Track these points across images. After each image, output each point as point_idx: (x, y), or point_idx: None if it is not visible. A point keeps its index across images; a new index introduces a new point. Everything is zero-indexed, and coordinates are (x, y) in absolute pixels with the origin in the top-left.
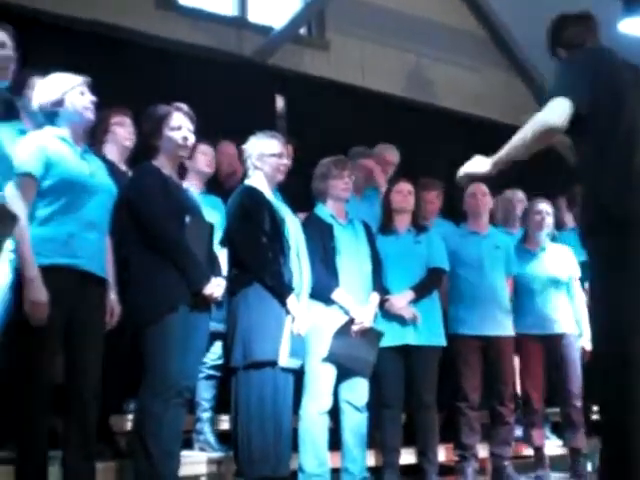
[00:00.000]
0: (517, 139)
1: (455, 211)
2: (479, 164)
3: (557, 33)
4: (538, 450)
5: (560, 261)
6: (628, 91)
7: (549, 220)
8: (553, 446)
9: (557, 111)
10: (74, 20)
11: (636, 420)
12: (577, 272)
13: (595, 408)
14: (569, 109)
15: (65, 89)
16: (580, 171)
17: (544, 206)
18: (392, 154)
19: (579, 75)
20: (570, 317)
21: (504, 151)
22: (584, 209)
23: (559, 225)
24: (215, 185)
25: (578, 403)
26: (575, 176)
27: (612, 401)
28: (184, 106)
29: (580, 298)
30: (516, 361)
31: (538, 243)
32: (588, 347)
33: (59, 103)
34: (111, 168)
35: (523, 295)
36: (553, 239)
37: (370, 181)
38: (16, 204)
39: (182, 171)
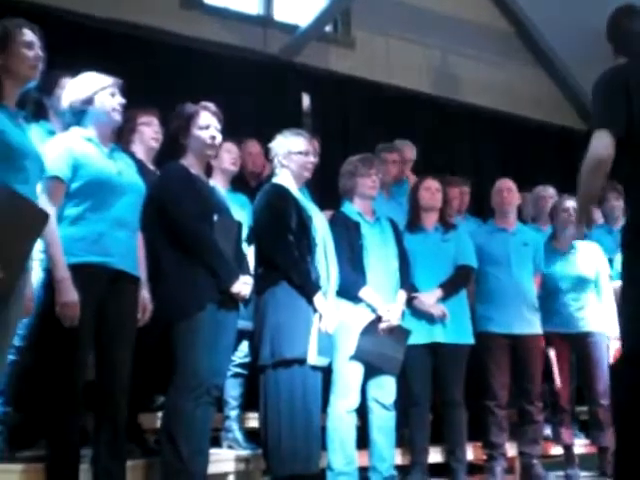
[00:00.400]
0: (581, 189)
1: (482, 209)
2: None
3: (610, 31)
4: (567, 449)
5: (588, 259)
6: None
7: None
8: (581, 445)
9: (601, 144)
10: (100, 20)
11: None
12: (606, 269)
13: None
14: (610, 139)
15: (96, 89)
16: (625, 183)
17: (571, 203)
18: (410, 150)
19: (613, 99)
20: (598, 315)
21: (578, 206)
22: (632, 217)
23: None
24: (240, 183)
25: (605, 402)
26: (618, 186)
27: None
28: (212, 105)
29: (608, 295)
30: (553, 356)
31: (566, 241)
32: (617, 347)
33: (89, 102)
34: (140, 167)
35: (551, 294)
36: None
37: (397, 176)
38: (45, 207)
39: (207, 169)
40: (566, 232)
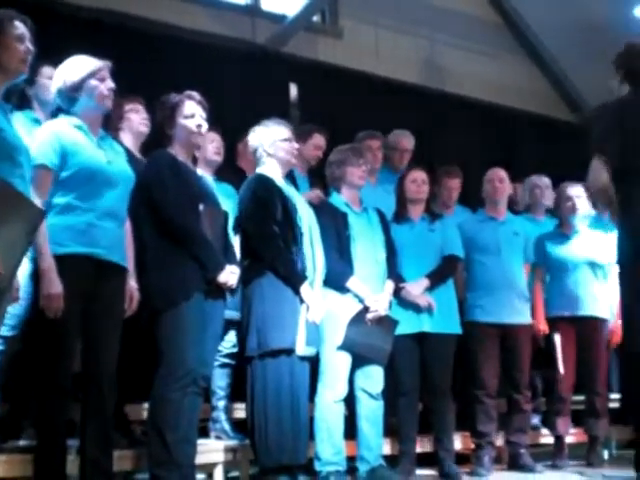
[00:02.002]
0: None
1: (467, 199)
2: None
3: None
4: (559, 438)
5: (595, 244)
6: None
7: (581, 203)
8: (571, 433)
9: (595, 175)
10: (88, 9)
11: None
12: (613, 256)
13: (612, 396)
14: (603, 167)
15: (86, 74)
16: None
17: (574, 190)
18: (407, 141)
19: (609, 130)
20: (603, 300)
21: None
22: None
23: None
24: (226, 172)
25: (603, 390)
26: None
27: None
28: (196, 94)
29: (613, 282)
30: (558, 343)
31: (572, 226)
32: (618, 332)
33: (78, 88)
34: (128, 155)
35: (556, 277)
36: (594, 223)
37: (379, 162)
38: (33, 196)
39: (193, 160)
40: (571, 218)
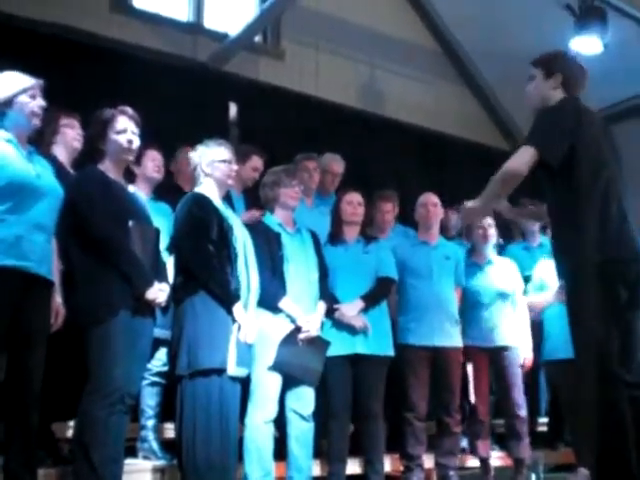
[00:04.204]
0: (490, 190)
1: (403, 221)
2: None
3: (561, 63)
4: (484, 461)
5: (506, 274)
6: (603, 142)
7: (492, 232)
8: (497, 457)
9: (520, 159)
10: (26, 20)
11: None
12: (520, 285)
13: (541, 420)
14: (533, 157)
15: (16, 90)
16: (562, 216)
17: (486, 220)
18: (338, 164)
19: (555, 127)
20: (514, 329)
21: (483, 200)
22: (567, 249)
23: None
24: (164, 191)
25: (522, 413)
26: (552, 219)
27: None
28: (129, 109)
29: (523, 311)
30: (470, 371)
31: (485, 256)
32: (529, 358)
33: (8, 104)
34: (60, 170)
35: (471, 307)
36: (502, 250)
37: (323, 188)
38: None
39: (132, 177)
40: (483, 247)
